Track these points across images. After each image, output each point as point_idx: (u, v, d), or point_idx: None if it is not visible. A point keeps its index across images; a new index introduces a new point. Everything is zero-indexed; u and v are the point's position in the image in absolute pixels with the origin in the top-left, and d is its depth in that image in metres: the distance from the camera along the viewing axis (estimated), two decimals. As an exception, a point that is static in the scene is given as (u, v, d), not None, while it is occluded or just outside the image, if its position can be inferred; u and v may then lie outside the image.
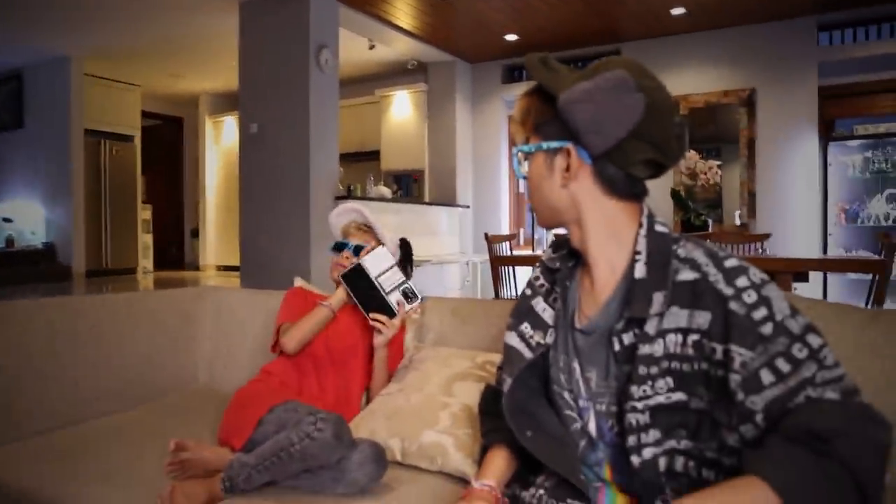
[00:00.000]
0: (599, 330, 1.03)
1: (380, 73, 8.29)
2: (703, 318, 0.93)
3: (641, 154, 0.98)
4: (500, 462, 1.15)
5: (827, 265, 3.98)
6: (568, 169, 1.02)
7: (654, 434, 0.95)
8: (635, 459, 0.95)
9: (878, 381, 1.18)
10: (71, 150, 7.84)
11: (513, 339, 1.15)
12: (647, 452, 0.95)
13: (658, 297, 0.95)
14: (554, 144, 1.02)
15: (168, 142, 10.72)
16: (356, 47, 6.92)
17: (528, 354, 1.11)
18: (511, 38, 6.90)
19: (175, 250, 10.70)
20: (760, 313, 0.90)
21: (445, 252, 7.18)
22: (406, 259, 2.00)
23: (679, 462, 0.94)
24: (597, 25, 6.53)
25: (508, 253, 5.08)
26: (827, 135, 6.28)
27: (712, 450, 0.93)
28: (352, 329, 1.82)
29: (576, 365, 1.06)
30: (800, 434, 0.81)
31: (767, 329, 0.88)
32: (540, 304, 1.14)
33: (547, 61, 1.05)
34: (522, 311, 1.16)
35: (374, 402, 1.69)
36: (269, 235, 5.48)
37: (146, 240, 9.18)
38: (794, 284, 3.85)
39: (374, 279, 1.76)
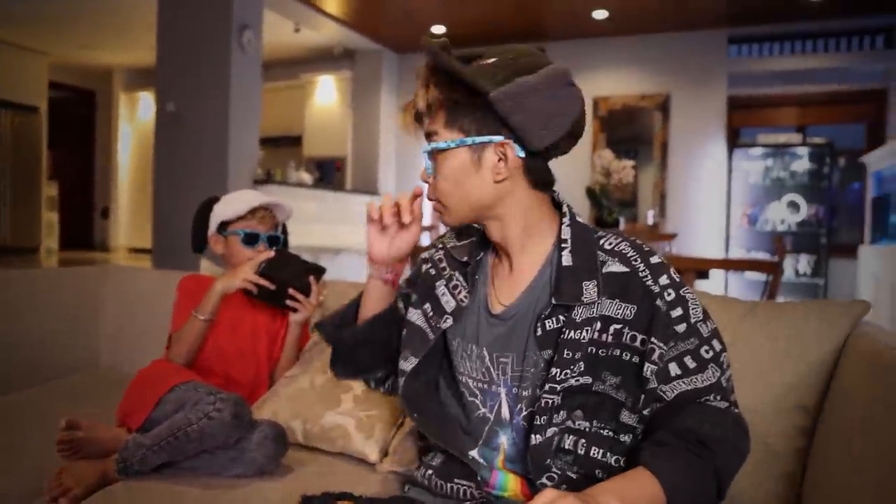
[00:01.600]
0: (519, 316, 1.04)
1: (305, 58, 8.15)
2: (629, 310, 0.97)
3: (568, 146, 1.01)
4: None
5: (727, 265, 4.22)
6: (502, 163, 0.99)
7: (561, 414, 0.98)
8: (536, 438, 0.98)
9: (750, 367, 1.28)
10: (-33, 119, 7.35)
11: (418, 318, 1.14)
12: (549, 432, 0.98)
13: (589, 286, 0.98)
14: (483, 139, 0.99)
15: (79, 116, 10.17)
16: (281, 30, 6.78)
17: (430, 336, 1.10)
18: (438, 29, 6.93)
19: (83, 230, 10.19)
20: (677, 312, 0.97)
21: (366, 241, 7.15)
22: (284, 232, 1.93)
23: (569, 440, 0.98)
24: (523, 23, 6.64)
25: (428, 243, 5.12)
26: (733, 142, 6.62)
27: (609, 429, 0.98)
28: (253, 314, 1.79)
29: (484, 352, 1.06)
30: (689, 437, 0.92)
31: (681, 328, 0.97)
32: (441, 289, 1.13)
33: (448, 48, 1.00)
34: (426, 291, 1.15)
35: (277, 383, 1.68)
36: (183, 217, 5.28)
37: (51, 217, 8.70)
38: (696, 281, 4.07)
39: (300, 261, 1.74)
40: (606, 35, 6.79)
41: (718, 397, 0.96)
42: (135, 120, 9.59)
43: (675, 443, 0.92)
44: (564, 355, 0.97)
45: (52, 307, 2.19)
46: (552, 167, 1.06)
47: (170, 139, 5.48)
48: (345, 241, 6.61)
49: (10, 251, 7.93)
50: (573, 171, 6.42)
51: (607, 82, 6.84)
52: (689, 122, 6.62)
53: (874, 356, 1.04)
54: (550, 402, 0.98)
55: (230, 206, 1.80)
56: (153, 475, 1.41)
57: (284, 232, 1.90)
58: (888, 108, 6.17)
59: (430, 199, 1.08)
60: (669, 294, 0.98)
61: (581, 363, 0.97)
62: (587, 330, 0.97)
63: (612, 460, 0.98)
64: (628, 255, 1.01)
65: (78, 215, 10.08)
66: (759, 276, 6.04)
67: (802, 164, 6.38)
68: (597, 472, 0.98)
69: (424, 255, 1.21)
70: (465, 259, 1.12)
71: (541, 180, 1.03)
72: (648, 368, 0.96)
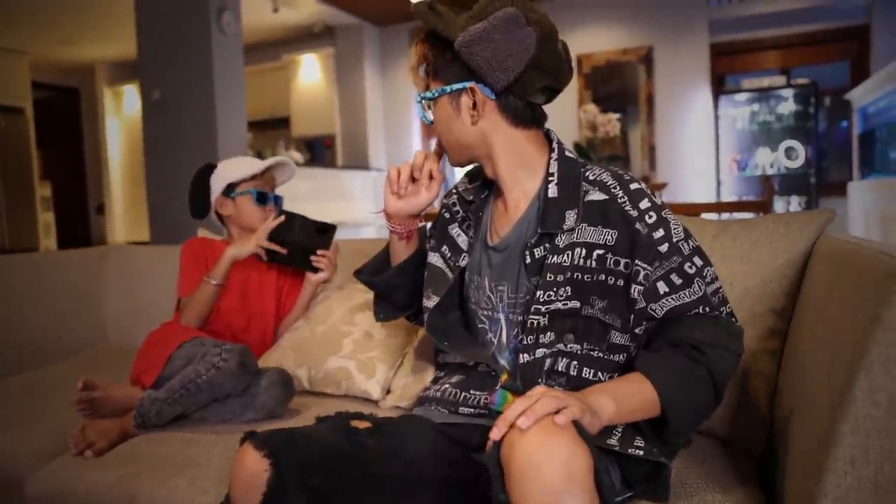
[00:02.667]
0: (512, 246, 1.13)
1: (286, 38, 8.12)
2: (609, 236, 1.04)
3: (539, 82, 1.06)
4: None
5: (716, 208, 4.29)
6: (474, 107, 1.08)
7: (549, 336, 1.05)
8: (524, 357, 1.06)
9: (725, 279, 1.35)
10: (-46, 125, 7.35)
11: (437, 260, 1.24)
12: (539, 352, 1.05)
13: (570, 214, 1.06)
14: (457, 86, 1.08)
15: (65, 114, 10.15)
16: (260, 10, 6.76)
17: (450, 275, 1.21)
18: (417, -1, 6.90)
19: (80, 228, 10.23)
20: (658, 233, 1.04)
21: (360, 216, 7.21)
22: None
23: (562, 363, 1.05)
24: (500, -14, 6.61)
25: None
26: (718, 89, 6.64)
27: (599, 350, 1.05)
28: (260, 275, 1.84)
29: (486, 282, 1.16)
30: (682, 343, 1.00)
31: (664, 248, 1.04)
32: (455, 230, 1.24)
33: (433, 6, 1.09)
34: (442, 234, 1.26)
35: (281, 338, 1.76)
36: (177, 205, 5.34)
37: (47, 218, 8.73)
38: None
39: (308, 220, 1.74)
40: (585, -9, 6.78)
41: (707, 309, 1.04)
42: (121, 114, 9.58)
43: (668, 349, 1.01)
44: (548, 278, 1.05)
45: (57, 289, 2.26)
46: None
47: (158, 127, 5.50)
48: (339, 216, 6.67)
49: (9, 254, 7.96)
50: (560, 128, 6.38)
51: (589, 39, 6.84)
52: (674, 72, 6.63)
53: (836, 251, 1.11)
54: (536, 322, 1.06)
55: (238, 167, 1.84)
56: (170, 426, 1.49)
57: None
58: (871, 44, 6.17)
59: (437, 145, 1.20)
60: (651, 217, 1.05)
61: (567, 287, 1.04)
62: (568, 254, 1.05)
63: (604, 378, 1.06)
64: (608, 184, 1.09)
65: (73, 214, 10.11)
66: (748, 218, 6.10)
67: (788, 107, 6.40)
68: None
69: (443, 201, 1.32)
70: (471, 199, 1.22)
71: (521, 118, 1.10)
72: (635, 289, 1.03)
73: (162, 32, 5.44)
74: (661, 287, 1.03)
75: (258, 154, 5.91)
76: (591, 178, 1.11)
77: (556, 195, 1.08)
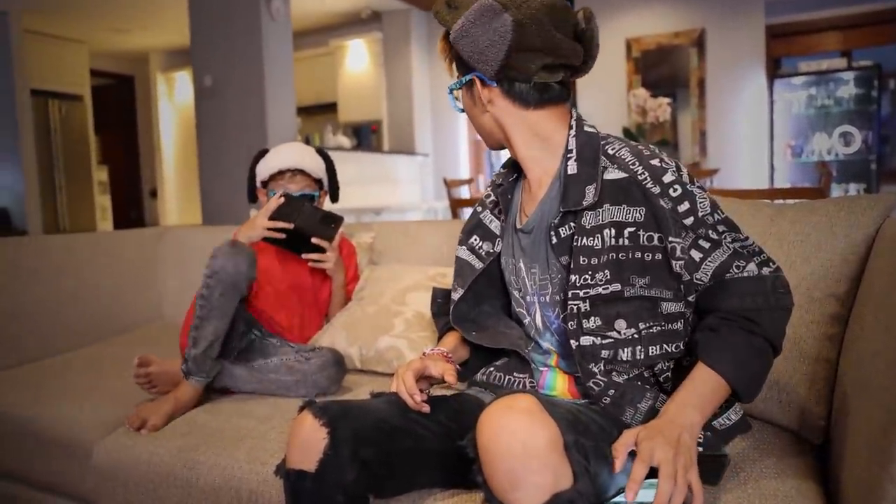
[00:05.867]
0: (537, 227, 1.13)
1: (333, 24, 8.18)
2: (637, 213, 1.04)
3: (534, 63, 1.06)
4: (452, 339, 1.27)
5: (769, 194, 4.16)
6: (484, 95, 1.11)
7: (594, 321, 1.05)
8: (573, 343, 1.06)
9: (783, 263, 1.31)
10: (18, 111, 7.62)
11: (463, 253, 1.26)
12: (586, 340, 1.05)
13: (590, 189, 1.06)
14: (466, 78, 1.13)
15: (121, 101, 10.44)
16: (308, -3, 6.82)
17: (477, 265, 1.22)
18: (464, -17, 6.86)
19: (135, 212, 10.54)
20: (684, 206, 1.04)
21: (406, 201, 7.25)
22: (331, 171, 1.94)
23: (625, 352, 1.05)
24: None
25: (468, 196, 5.18)
26: (773, 73, 6.44)
27: (657, 325, 1.05)
28: (293, 261, 1.82)
29: (521, 264, 1.17)
30: (734, 316, 1.02)
31: (689, 221, 1.04)
32: (488, 217, 1.25)
33: (450, 2, 1.11)
34: (472, 225, 1.27)
35: (333, 318, 1.79)
36: (229, 190, 5.47)
37: (104, 201, 9.02)
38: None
39: (317, 209, 1.73)
40: (636, -28, 6.64)
41: (743, 261, 1.04)
42: (174, 100, 9.80)
43: (724, 325, 1.02)
44: (581, 262, 1.05)
45: (115, 267, 2.34)
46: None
47: (209, 113, 5.62)
48: (385, 200, 6.72)
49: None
50: (608, 113, 6.35)
51: (639, 21, 6.70)
52: (727, 56, 6.45)
53: (901, 236, 1.08)
54: (576, 307, 1.06)
55: (264, 165, 1.86)
56: (223, 398, 1.54)
57: (334, 182, 1.93)
58: (938, 24, 5.91)
59: None
60: (675, 190, 1.04)
61: (606, 271, 1.04)
62: (599, 237, 1.04)
63: (671, 348, 1.06)
64: (626, 160, 1.08)
65: (128, 197, 10.43)
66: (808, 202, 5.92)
67: (848, 90, 6.17)
68: (658, 364, 1.07)
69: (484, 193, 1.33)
70: (500, 182, 1.23)
71: (528, 99, 1.10)
72: (677, 264, 1.03)
73: (213, 20, 5.54)
74: (695, 255, 1.04)
75: (306, 139, 5.98)
76: (610, 152, 1.10)
77: (575, 171, 1.08)
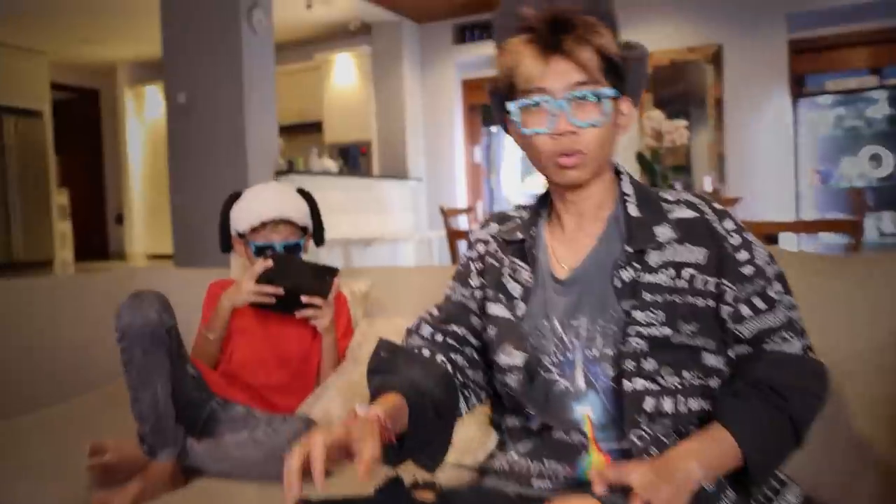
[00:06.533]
0: (590, 273, 1.10)
1: (319, 36, 8.19)
2: (700, 254, 1.05)
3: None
4: (391, 403, 1.01)
5: (800, 227, 4.13)
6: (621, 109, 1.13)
7: (651, 363, 1.03)
8: (627, 385, 1.02)
9: (845, 326, 1.26)
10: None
11: (502, 311, 1.16)
12: (639, 383, 1.02)
13: (660, 230, 1.07)
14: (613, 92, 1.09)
15: (84, 117, 10.40)
16: (292, 6, 6.83)
17: (524, 328, 1.14)
18: (461, -7, 6.91)
19: (98, 239, 10.44)
20: (743, 256, 1.06)
21: (398, 230, 7.19)
22: (315, 214, 1.86)
23: (667, 403, 1.02)
24: (554, -21, 6.56)
25: (466, 227, 5.13)
26: (797, 92, 6.46)
27: (697, 377, 1.04)
28: (276, 319, 1.76)
29: (556, 323, 1.10)
30: (763, 387, 1.00)
31: (748, 270, 1.05)
32: (506, 278, 1.17)
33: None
34: (497, 282, 1.18)
35: (328, 379, 1.71)
36: (203, 217, 5.39)
37: (63, 228, 8.90)
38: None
39: (307, 263, 1.67)
40: (647, -16, 6.68)
41: (791, 335, 1.05)
42: (143, 117, 9.77)
43: (750, 393, 1.00)
44: (645, 297, 1.04)
45: (80, 314, 2.25)
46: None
47: (183, 133, 5.57)
48: (375, 230, 6.66)
49: (24, 266, 8.08)
50: (622, 138, 6.34)
51: (651, 37, 6.73)
52: (746, 73, 6.47)
53: None
54: (638, 345, 1.03)
55: (242, 215, 1.78)
56: (202, 479, 1.45)
57: (319, 225, 1.87)
58: (974, 40, 5.95)
59: None
60: (734, 237, 1.07)
61: (661, 312, 1.03)
62: (663, 273, 1.05)
63: (707, 406, 1.04)
64: (693, 202, 1.11)
65: (91, 223, 10.33)
66: (836, 239, 5.91)
67: (880, 110, 6.18)
68: (693, 426, 1.04)
69: (477, 251, 1.25)
70: (520, 236, 1.17)
71: None
72: (724, 310, 1.05)
73: (189, 32, 5.52)
74: (745, 310, 1.05)
75: (289, 163, 5.93)
76: (671, 198, 1.12)
77: (638, 215, 1.10)
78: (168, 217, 5.87)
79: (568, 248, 1.14)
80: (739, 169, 6.53)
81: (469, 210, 5.32)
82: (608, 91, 1.06)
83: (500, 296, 1.17)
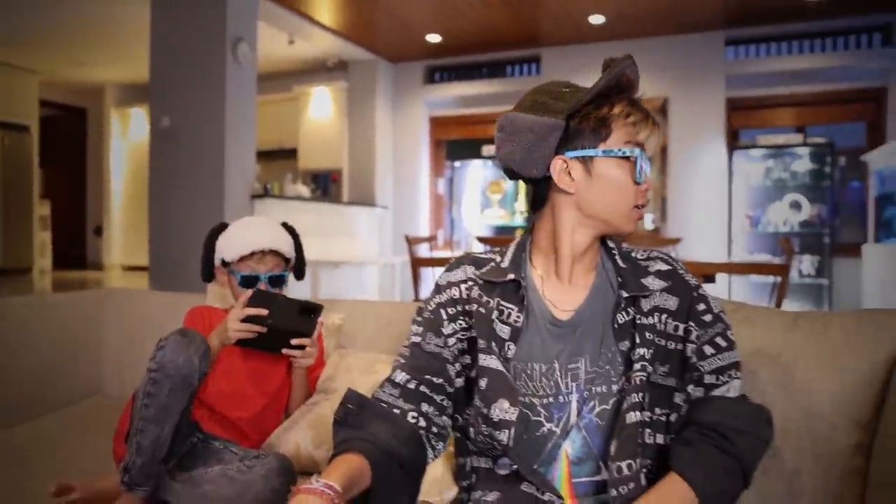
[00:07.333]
0: (590, 317, 1.09)
1: (299, 70, 8.10)
2: (672, 302, 1.09)
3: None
4: (350, 466, 0.94)
5: (735, 268, 4.17)
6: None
7: (645, 398, 1.03)
8: (631, 417, 1.02)
9: (800, 381, 1.22)
10: (-42, 140, 7.24)
11: (495, 363, 1.06)
12: (635, 416, 1.02)
13: (648, 280, 1.10)
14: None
15: (70, 134, 10.09)
16: (275, 42, 6.73)
17: (512, 378, 1.06)
18: (433, 38, 6.88)
19: (77, 249, 10.08)
20: (701, 306, 1.09)
21: (364, 254, 7.08)
22: (298, 247, 1.75)
23: (647, 434, 1.04)
24: (518, 30, 6.61)
25: (428, 254, 5.06)
26: (733, 144, 6.59)
27: (665, 414, 1.06)
28: (250, 354, 1.61)
29: (555, 365, 1.06)
30: (711, 431, 1.00)
31: (708, 318, 1.09)
32: (496, 323, 1.09)
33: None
34: (489, 331, 1.09)
35: (297, 412, 1.61)
36: (180, 235, 5.22)
37: (43, 237, 8.59)
38: (704, 286, 4.02)
39: (291, 300, 1.53)
40: (603, 40, 6.75)
41: (738, 374, 1.07)
42: (127, 137, 9.51)
43: (701, 440, 1.00)
44: (646, 336, 1.06)
45: (53, 334, 2.11)
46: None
47: (165, 155, 5.40)
48: (343, 253, 6.54)
49: (2, 272, 7.81)
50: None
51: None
52: (688, 125, 6.59)
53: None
54: (638, 379, 1.03)
55: (230, 243, 1.66)
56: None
57: (301, 259, 1.76)
58: (888, 107, 6.14)
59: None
60: (697, 290, 1.11)
61: (651, 352, 1.05)
62: (652, 317, 1.07)
63: (667, 440, 1.05)
64: (663, 257, 1.14)
65: (71, 234, 9.98)
66: (764, 279, 6.00)
67: (803, 164, 6.35)
68: (652, 457, 1.03)
69: (449, 295, 1.14)
70: (512, 277, 1.10)
71: None
72: (689, 348, 1.07)
73: (176, 59, 5.37)
74: (708, 350, 1.06)
75: (265, 188, 5.80)
76: (640, 256, 1.15)
77: (624, 266, 1.12)
78: (144, 231, 5.66)
79: (563, 293, 1.10)
80: (680, 211, 6.61)
81: (431, 238, 5.25)
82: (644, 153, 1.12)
83: (493, 345, 1.08)
